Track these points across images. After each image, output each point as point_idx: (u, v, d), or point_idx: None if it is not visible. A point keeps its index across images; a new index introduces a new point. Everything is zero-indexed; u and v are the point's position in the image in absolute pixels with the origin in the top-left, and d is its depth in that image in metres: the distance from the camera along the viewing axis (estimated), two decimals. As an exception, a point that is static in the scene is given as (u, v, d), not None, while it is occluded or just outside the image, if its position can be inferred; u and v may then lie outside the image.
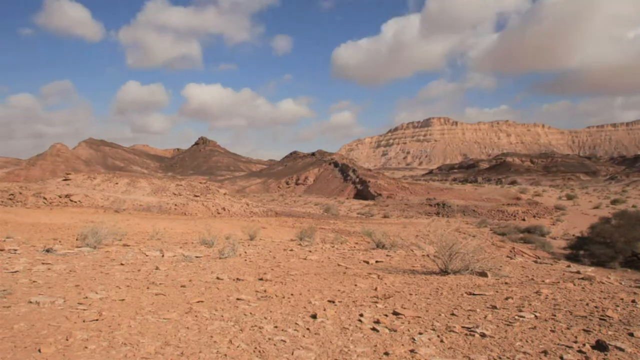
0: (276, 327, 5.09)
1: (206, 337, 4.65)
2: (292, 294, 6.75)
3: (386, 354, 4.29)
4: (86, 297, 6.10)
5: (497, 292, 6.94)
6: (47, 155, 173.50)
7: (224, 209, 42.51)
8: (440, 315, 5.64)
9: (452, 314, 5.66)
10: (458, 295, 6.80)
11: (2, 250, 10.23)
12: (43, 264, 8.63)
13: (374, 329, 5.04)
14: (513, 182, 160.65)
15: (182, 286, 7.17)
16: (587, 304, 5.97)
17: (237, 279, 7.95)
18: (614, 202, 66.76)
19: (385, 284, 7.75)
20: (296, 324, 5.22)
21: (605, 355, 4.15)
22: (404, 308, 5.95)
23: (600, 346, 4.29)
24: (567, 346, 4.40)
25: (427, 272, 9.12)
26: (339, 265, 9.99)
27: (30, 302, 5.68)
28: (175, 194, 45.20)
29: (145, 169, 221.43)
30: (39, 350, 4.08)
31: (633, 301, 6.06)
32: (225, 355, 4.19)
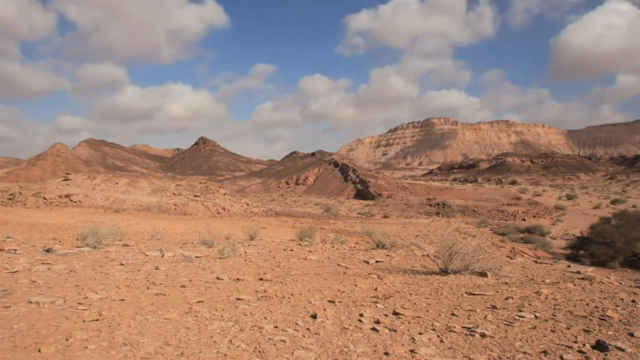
0: (276, 327, 5.09)
1: (206, 337, 4.65)
2: (292, 294, 6.75)
3: (386, 354, 4.29)
4: (86, 297, 6.10)
5: (497, 292, 6.94)
6: (47, 155, 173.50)
7: (224, 209, 42.51)
8: (440, 315, 5.64)
9: (452, 314, 5.65)
10: (458, 295, 6.80)
11: (2, 250, 10.23)
12: (43, 264, 8.63)
13: (374, 329, 5.04)
14: (513, 182, 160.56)
15: (182, 286, 7.17)
16: (587, 304, 5.97)
17: (237, 279, 7.95)
18: (614, 202, 66.66)
19: (385, 284, 7.75)
20: (296, 324, 5.22)
21: (605, 355, 4.15)
22: (404, 308, 5.95)
23: (600, 346, 4.29)
24: (567, 346, 4.40)
25: (427, 272, 9.12)
26: (339, 265, 9.99)
27: (30, 302, 5.68)
28: (175, 194, 45.21)
29: (145, 169, 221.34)
30: (39, 350, 4.08)
31: (633, 301, 6.06)
32: (225, 355, 4.19)
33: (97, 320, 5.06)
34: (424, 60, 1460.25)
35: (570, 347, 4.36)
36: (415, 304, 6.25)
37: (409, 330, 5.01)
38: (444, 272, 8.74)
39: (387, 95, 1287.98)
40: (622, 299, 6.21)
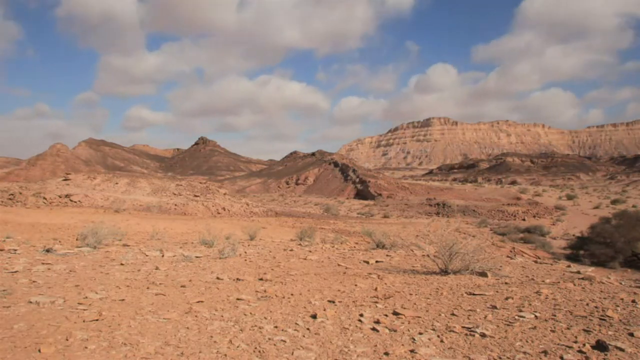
0: (276, 327, 5.09)
1: (206, 337, 4.65)
2: (292, 294, 6.75)
3: (386, 354, 4.29)
4: (86, 297, 6.10)
5: (497, 292, 6.94)
6: (47, 155, 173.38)
7: (224, 209, 42.50)
8: (440, 315, 5.64)
9: (452, 314, 5.65)
10: (458, 295, 6.80)
11: (2, 250, 10.23)
12: (43, 264, 8.63)
13: (374, 329, 5.04)
14: (513, 182, 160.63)
15: (182, 286, 7.17)
16: (587, 304, 5.97)
17: (237, 279, 7.95)
18: (614, 202, 66.63)
19: (385, 284, 7.75)
20: (296, 324, 5.22)
21: (605, 355, 4.15)
22: (404, 308, 5.95)
23: (601, 346, 4.29)
24: (567, 346, 4.40)
25: (427, 272, 9.12)
26: (339, 265, 9.99)
27: (30, 302, 5.68)
28: (175, 194, 45.20)
29: (145, 169, 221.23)
30: (39, 350, 4.08)
31: (633, 301, 6.06)
32: (225, 355, 4.19)
33: (97, 320, 5.06)
34: (579, 52, 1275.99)
35: (570, 347, 4.36)
36: (415, 304, 6.25)
37: (409, 330, 5.00)
38: (444, 272, 8.74)
39: (505, 89, 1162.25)
40: (622, 299, 6.21)
